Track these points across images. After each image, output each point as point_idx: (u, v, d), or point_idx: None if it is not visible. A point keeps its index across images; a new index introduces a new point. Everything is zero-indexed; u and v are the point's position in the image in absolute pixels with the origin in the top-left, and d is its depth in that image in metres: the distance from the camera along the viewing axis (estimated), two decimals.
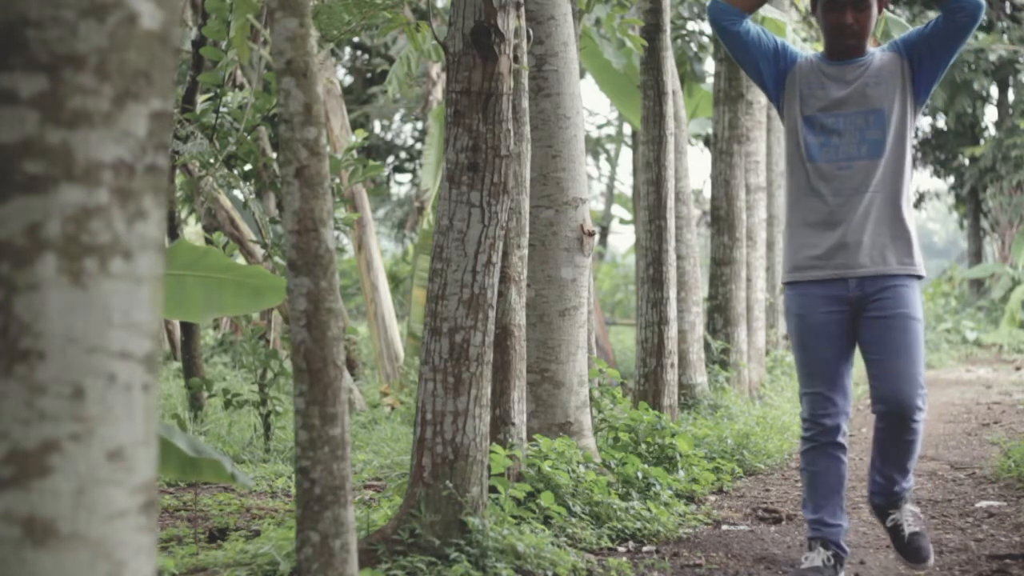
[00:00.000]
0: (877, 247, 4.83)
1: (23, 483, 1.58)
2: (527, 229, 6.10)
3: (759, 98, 12.46)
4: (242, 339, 10.25)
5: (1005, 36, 25.66)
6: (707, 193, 28.13)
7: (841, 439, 4.90)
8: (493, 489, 5.47)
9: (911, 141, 4.95)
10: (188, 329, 9.47)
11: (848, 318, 4.88)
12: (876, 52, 5.01)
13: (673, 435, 7.21)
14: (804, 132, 4.93)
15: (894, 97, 4.91)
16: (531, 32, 6.44)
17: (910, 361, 4.78)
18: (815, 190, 4.90)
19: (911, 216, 4.91)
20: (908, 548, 5.05)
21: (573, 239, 6.74)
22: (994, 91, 28.15)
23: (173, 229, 9.05)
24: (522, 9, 5.67)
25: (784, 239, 5.05)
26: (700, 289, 10.97)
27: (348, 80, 24.42)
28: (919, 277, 4.89)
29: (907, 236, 4.86)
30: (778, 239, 15.61)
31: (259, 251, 10.33)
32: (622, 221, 29.59)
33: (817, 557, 4.97)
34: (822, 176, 4.90)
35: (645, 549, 5.75)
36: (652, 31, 8.82)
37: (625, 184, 31.28)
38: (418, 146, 25.85)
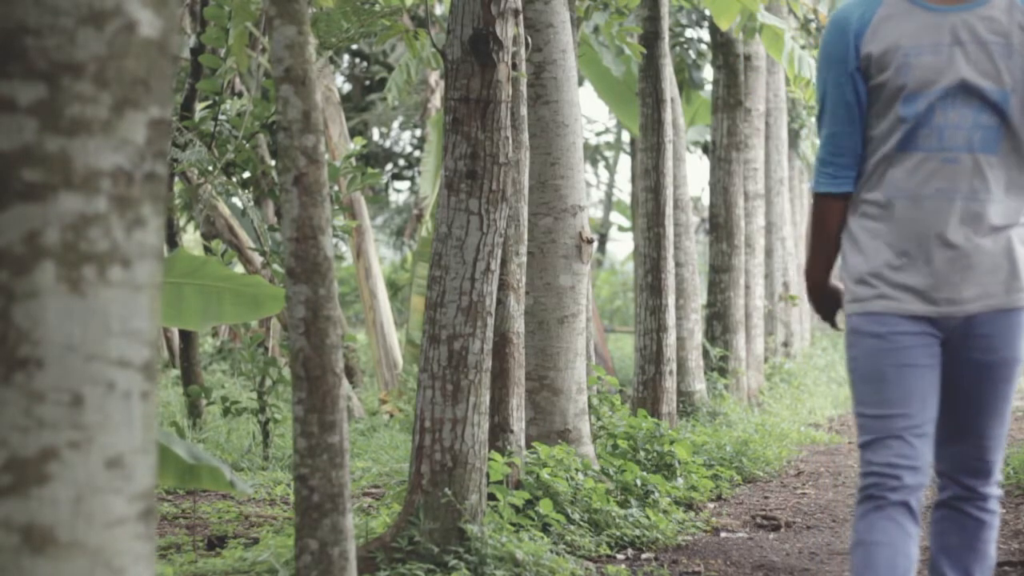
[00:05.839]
0: (989, 274, 3.46)
1: (22, 491, 1.58)
2: (525, 236, 6.10)
3: (758, 105, 12.47)
4: (241, 347, 10.25)
5: None
6: (705, 200, 28.15)
7: (913, 502, 3.44)
8: (492, 496, 5.47)
9: None
10: (187, 337, 9.47)
11: (940, 352, 3.51)
12: None
13: (672, 442, 7.21)
14: (902, 109, 3.45)
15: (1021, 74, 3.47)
16: (529, 39, 6.45)
17: (999, 418, 3.56)
18: (903, 188, 3.47)
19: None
20: None
21: (572, 246, 6.74)
22: None
23: (172, 237, 9.05)
24: (520, 16, 5.68)
25: (850, 244, 3.56)
26: (699, 296, 10.97)
27: (347, 88, 24.43)
28: None
29: (1018, 254, 3.51)
30: (777, 246, 15.60)
31: (258, 259, 10.33)
32: (620, 228, 29.61)
33: None
34: (916, 170, 3.46)
35: (644, 556, 5.75)
36: (650, 38, 8.83)
37: (624, 191, 31.29)
38: (417, 153, 25.85)
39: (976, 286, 3.45)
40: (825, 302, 3.69)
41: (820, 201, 3.58)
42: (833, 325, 3.73)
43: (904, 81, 3.44)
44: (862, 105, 3.53)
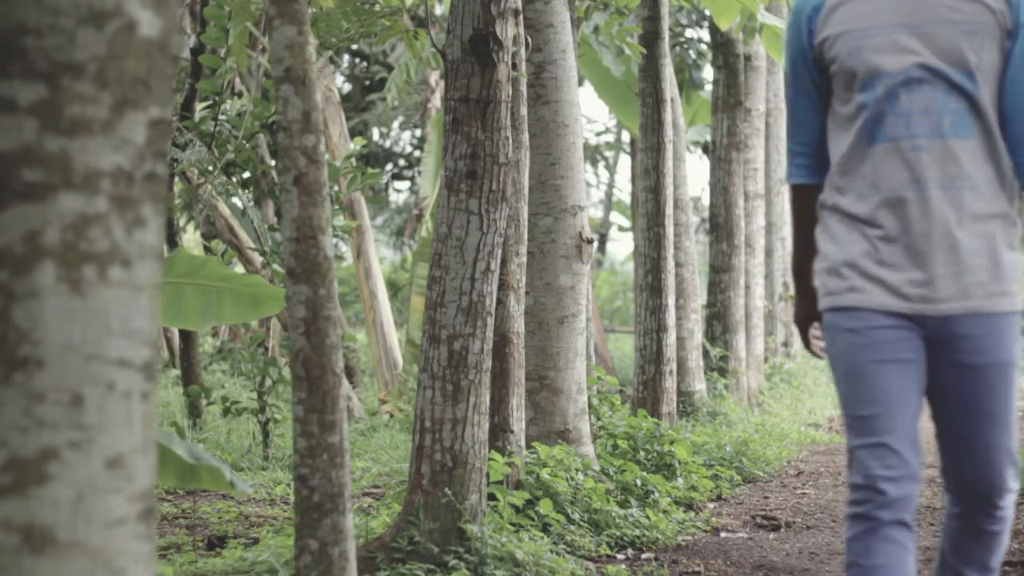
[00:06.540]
0: (968, 272, 3.25)
1: (22, 491, 1.58)
2: (525, 236, 6.10)
3: (758, 105, 12.47)
4: (241, 347, 10.25)
5: None
6: (705, 200, 28.13)
7: (907, 516, 3.26)
8: (492, 497, 5.47)
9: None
10: (187, 337, 9.47)
11: (924, 348, 3.30)
12: None
13: (672, 442, 7.21)
14: (860, 96, 3.28)
15: (994, 51, 3.26)
16: (529, 39, 6.45)
17: (1003, 428, 3.33)
18: (875, 181, 3.27)
19: (1015, 227, 3.32)
20: None
21: (572, 246, 6.74)
22: None
23: (172, 237, 9.05)
24: (520, 16, 5.68)
25: (825, 236, 3.37)
26: (699, 296, 10.97)
27: (347, 88, 24.43)
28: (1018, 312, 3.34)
29: (1002, 255, 3.28)
30: (777, 246, 15.60)
31: (258, 259, 10.33)
32: (621, 228, 29.60)
33: None
34: (886, 161, 3.25)
35: (644, 556, 5.75)
36: (650, 38, 8.83)
37: (624, 191, 31.28)
38: (417, 153, 25.84)
39: (954, 284, 3.23)
40: (806, 302, 3.53)
41: (795, 191, 3.50)
42: (807, 345, 3.55)
43: (856, 66, 3.25)
44: (822, 94, 3.38)
